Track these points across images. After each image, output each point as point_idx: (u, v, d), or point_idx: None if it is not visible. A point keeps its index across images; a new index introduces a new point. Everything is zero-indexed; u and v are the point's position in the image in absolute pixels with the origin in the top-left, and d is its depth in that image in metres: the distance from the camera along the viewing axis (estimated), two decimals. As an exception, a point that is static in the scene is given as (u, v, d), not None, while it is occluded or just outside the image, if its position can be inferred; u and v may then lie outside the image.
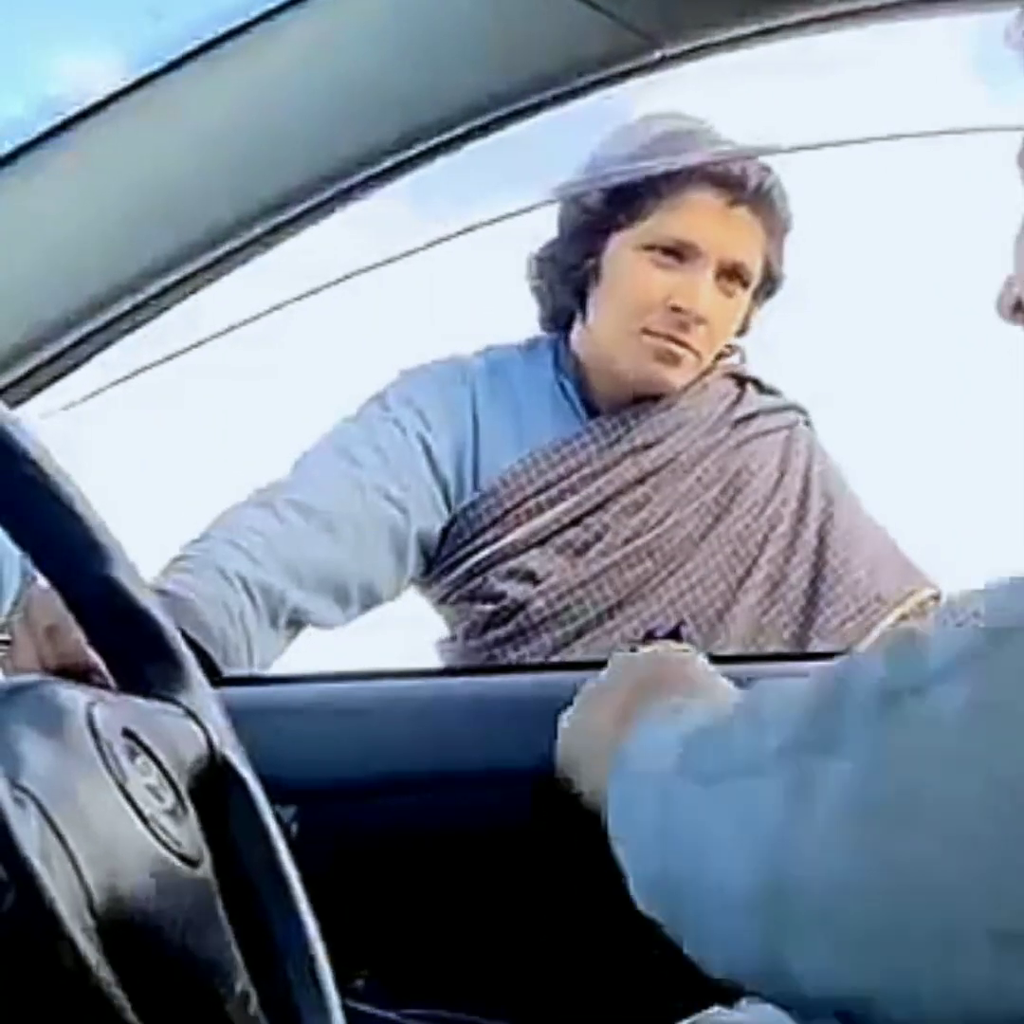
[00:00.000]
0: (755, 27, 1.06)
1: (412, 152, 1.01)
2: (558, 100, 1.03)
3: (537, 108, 1.03)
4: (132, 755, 0.68)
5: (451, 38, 1.00)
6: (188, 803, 0.70)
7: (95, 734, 0.66)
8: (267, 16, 0.98)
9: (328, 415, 1.69)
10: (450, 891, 1.19)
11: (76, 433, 1.25)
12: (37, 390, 1.09)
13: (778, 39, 1.09)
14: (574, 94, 1.04)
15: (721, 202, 1.65)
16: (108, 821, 0.63)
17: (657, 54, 1.03)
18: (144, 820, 0.65)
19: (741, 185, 1.65)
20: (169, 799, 0.69)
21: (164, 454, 2.03)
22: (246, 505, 1.56)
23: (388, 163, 1.01)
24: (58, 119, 0.97)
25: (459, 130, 1.01)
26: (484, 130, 1.02)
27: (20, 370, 1.05)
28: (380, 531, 1.60)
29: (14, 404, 1.07)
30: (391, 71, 1.00)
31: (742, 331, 1.78)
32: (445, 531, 1.67)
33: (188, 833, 0.68)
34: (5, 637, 1.26)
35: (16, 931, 0.53)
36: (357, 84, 1.00)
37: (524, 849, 1.20)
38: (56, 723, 0.65)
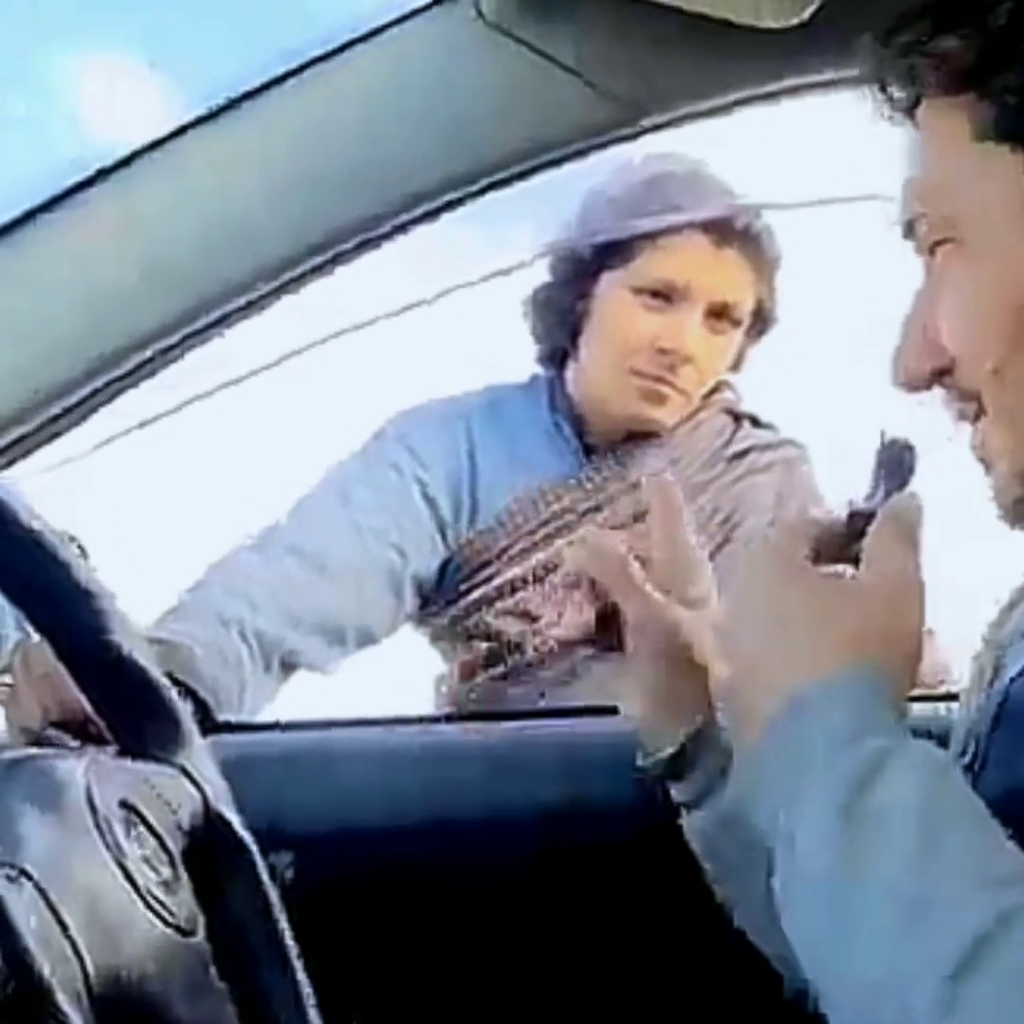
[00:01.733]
0: (736, 96, 1.08)
1: (407, 217, 1.04)
2: (546, 167, 1.06)
3: (526, 174, 1.06)
4: (129, 828, 0.70)
5: (444, 108, 1.03)
6: (182, 872, 0.72)
7: (93, 809, 0.68)
8: (270, 86, 1.01)
9: (326, 454, 1.71)
10: (446, 940, 1.19)
11: (78, 480, 1.27)
12: (39, 445, 1.11)
13: (758, 106, 1.11)
14: (560, 161, 1.06)
15: (708, 243, 1.67)
16: (105, 897, 0.65)
17: (642, 123, 1.06)
18: (140, 893, 0.67)
19: (728, 227, 1.67)
20: (164, 870, 0.71)
21: (164, 497, 2.05)
22: (244, 549, 1.58)
23: (384, 228, 1.04)
24: (65, 186, 1.01)
25: (449, 196, 1.04)
26: (474, 196, 1.05)
27: (25, 427, 1.07)
28: (378, 572, 1.62)
29: (15, 460, 1.09)
30: (387, 140, 1.03)
31: (736, 368, 1.80)
32: (442, 569, 1.69)
33: (182, 902, 0.71)
34: (8, 680, 1.27)
35: (14, 1017, 0.55)
36: (353, 152, 1.03)
37: (520, 897, 1.20)
38: (55, 799, 0.67)
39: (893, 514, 0.84)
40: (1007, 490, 0.85)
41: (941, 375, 0.85)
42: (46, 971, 0.56)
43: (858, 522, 0.85)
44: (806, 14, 0.96)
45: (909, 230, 0.87)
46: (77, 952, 0.61)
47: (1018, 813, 0.72)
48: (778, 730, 0.76)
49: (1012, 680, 0.86)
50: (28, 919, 0.58)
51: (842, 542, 0.86)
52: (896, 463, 0.87)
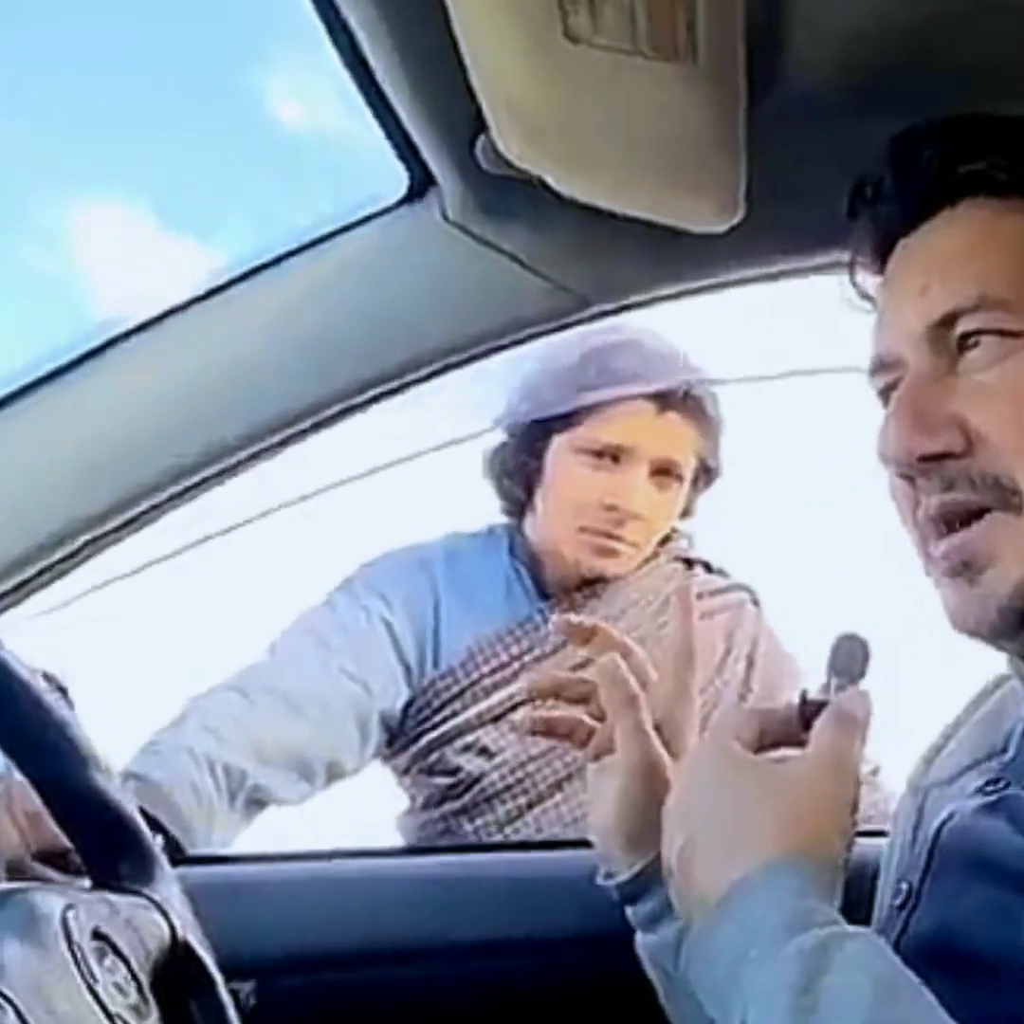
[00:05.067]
0: (682, 287, 1.18)
1: (365, 397, 1.13)
2: (498, 350, 1.16)
3: (479, 358, 1.15)
4: (101, 956, 0.76)
5: (406, 300, 1.12)
6: (150, 997, 0.79)
7: (69, 939, 0.74)
8: (240, 279, 1.11)
9: (300, 602, 1.79)
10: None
11: (67, 624, 1.34)
12: (29, 595, 1.19)
13: (704, 294, 1.21)
14: (513, 345, 1.16)
15: (651, 407, 1.76)
16: (78, 1020, 0.71)
17: (590, 311, 1.16)
18: (109, 1017, 0.73)
19: (670, 391, 1.76)
20: (133, 995, 0.77)
21: (146, 641, 2.12)
22: (219, 688, 1.65)
23: (345, 406, 1.14)
24: (48, 368, 1.10)
25: (408, 378, 1.14)
26: (430, 378, 1.14)
27: (16, 579, 1.15)
28: (346, 710, 1.69)
29: (10, 606, 1.18)
30: (350, 328, 1.13)
31: (686, 515, 1.89)
32: (406, 707, 1.76)
33: (149, 1026, 0.77)
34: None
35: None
36: (321, 339, 1.13)
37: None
38: (33, 929, 0.73)
39: (840, 708, 0.87)
40: (999, 595, 0.85)
41: (941, 458, 0.86)
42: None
43: (809, 711, 0.89)
44: (735, 220, 1.05)
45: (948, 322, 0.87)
46: (51, 1072, 0.67)
47: (949, 955, 0.78)
48: (716, 921, 0.79)
49: (938, 828, 0.90)
50: (8, 1039, 0.64)
51: (793, 730, 0.90)
52: (849, 658, 0.91)
